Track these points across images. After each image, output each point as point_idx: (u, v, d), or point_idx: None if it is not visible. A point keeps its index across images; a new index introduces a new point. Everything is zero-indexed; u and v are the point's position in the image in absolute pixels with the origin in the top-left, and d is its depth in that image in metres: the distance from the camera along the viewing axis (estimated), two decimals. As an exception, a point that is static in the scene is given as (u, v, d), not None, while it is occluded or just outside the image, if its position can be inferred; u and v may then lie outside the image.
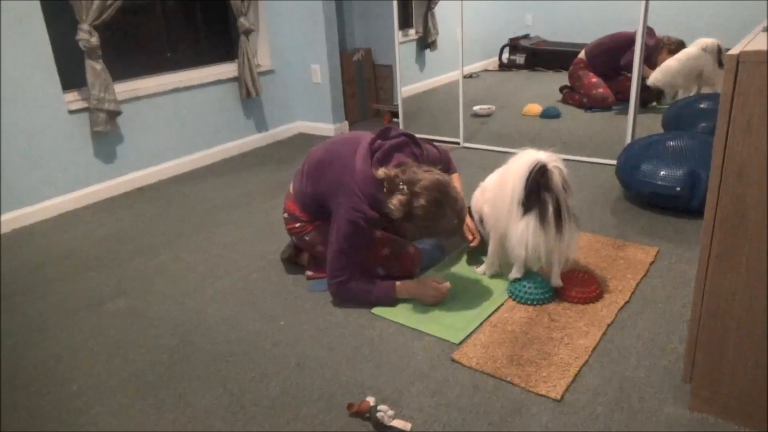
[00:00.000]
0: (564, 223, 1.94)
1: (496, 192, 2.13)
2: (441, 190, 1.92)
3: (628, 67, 4.52)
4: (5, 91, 2.93)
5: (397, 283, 2.10)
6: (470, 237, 2.35)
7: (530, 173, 1.91)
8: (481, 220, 2.26)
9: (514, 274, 2.11)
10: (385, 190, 1.95)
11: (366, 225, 2.02)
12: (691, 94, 4.18)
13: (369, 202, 2.00)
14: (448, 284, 2.08)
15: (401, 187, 1.91)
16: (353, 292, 2.10)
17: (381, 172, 1.96)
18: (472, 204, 2.30)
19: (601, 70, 4.61)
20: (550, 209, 1.92)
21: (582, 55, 4.75)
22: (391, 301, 2.10)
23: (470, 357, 1.78)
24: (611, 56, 4.59)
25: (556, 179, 1.91)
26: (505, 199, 2.00)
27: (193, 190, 3.50)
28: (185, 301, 2.23)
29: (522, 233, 1.95)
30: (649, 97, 4.38)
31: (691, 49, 4.20)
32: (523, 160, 1.96)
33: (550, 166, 1.91)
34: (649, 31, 4.43)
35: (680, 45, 4.38)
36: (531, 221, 1.93)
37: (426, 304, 2.08)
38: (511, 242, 2.01)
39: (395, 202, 1.90)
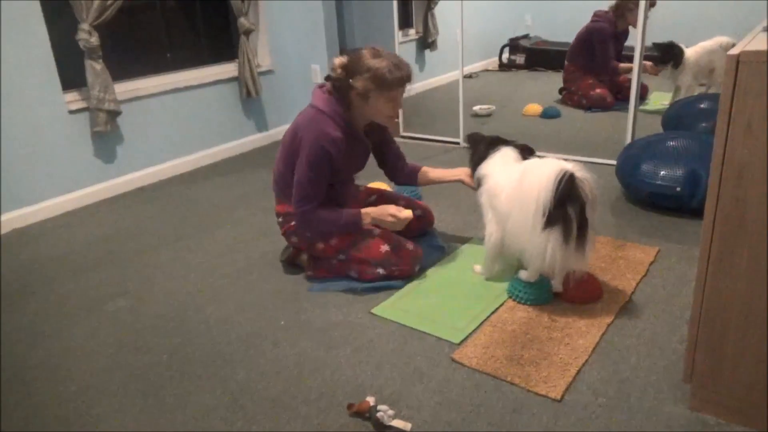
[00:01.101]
0: (587, 238, 1.85)
1: (511, 204, 1.99)
2: (377, 47, 2.11)
3: (613, 74, 4.58)
4: (5, 91, 2.93)
5: (362, 209, 2.21)
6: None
7: (558, 183, 1.79)
8: (480, 182, 2.21)
9: (528, 277, 2.04)
10: (332, 75, 2.11)
11: (331, 149, 2.07)
12: (694, 94, 4.18)
13: (332, 119, 2.10)
14: (408, 212, 2.21)
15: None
16: (321, 218, 2.16)
17: (330, 73, 2.13)
18: (481, 201, 2.21)
19: (589, 69, 4.63)
20: (575, 224, 1.82)
21: (566, 61, 4.80)
22: (359, 227, 2.20)
23: (470, 357, 1.78)
24: (584, 54, 4.63)
25: (586, 190, 1.82)
26: (527, 211, 1.87)
27: (193, 190, 3.50)
28: (185, 300, 2.23)
29: (542, 247, 1.85)
30: (667, 55, 4.21)
31: (707, 43, 4.20)
32: (547, 169, 1.83)
33: (578, 175, 1.82)
34: (596, 17, 4.49)
35: None
36: (553, 236, 1.83)
37: (386, 227, 2.22)
38: (530, 253, 1.92)
39: (336, 62, 2.09)
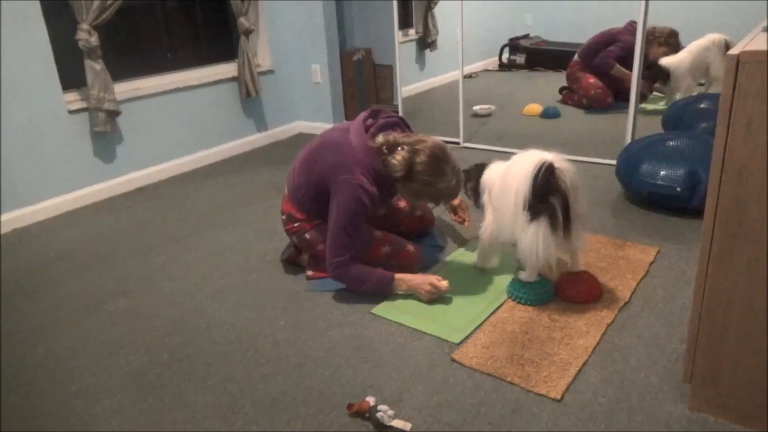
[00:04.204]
0: (572, 228, 1.85)
1: (498, 195, 2.03)
2: (441, 149, 2.01)
3: (600, 67, 4.56)
4: (5, 91, 2.93)
5: (396, 275, 2.10)
6: (459, 220, 2.41)
7: (536, 174, 1.81)
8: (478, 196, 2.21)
9: (527, 277, 2.04)
10: (385, 151, 2.00)
11: (369, 201, 2.02)
12: (693, 93, 4.18)
13: (369, 174, 2.02)
14: (446, 283, 2.06)
15: (402, 147, 1.98)
16: (352, 275, 2.09)
17: (380, 138, 2.01)
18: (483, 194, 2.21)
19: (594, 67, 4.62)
20: (560, 214, 1.82)
21: (576, 57, 4.77)
22: (388, 292, 2.10)
23: (470, 357, 1.78)
24: (598, 54, 4.60)
25: (566, 180, 1.82)
26: (509, 204, 1.91)
27: (193, 190, 3.50)
28: (185, 300, 2.23)
29: (531, 241, 1.86)
30: (657, 76, 4.27)
31: (701, 41, 4.21)
32: (527, 160, 1.86)
33: (558, 165, 1.82)
34: (631, 28, 4.44)
35: (671, 35, 4.35)
36: (540, 228, 1.84)
37: (422, 299, 2.08)
38: (520, 250, 1.94)
39: (398, 158, 1.97)
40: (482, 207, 2.21)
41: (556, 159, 1.85)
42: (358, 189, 1.99)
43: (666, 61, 4.24)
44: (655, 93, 4.59)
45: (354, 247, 2.07)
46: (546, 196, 1.83)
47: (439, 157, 1.99)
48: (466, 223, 2.44)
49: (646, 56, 4.36)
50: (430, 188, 2.02)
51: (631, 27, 4.45)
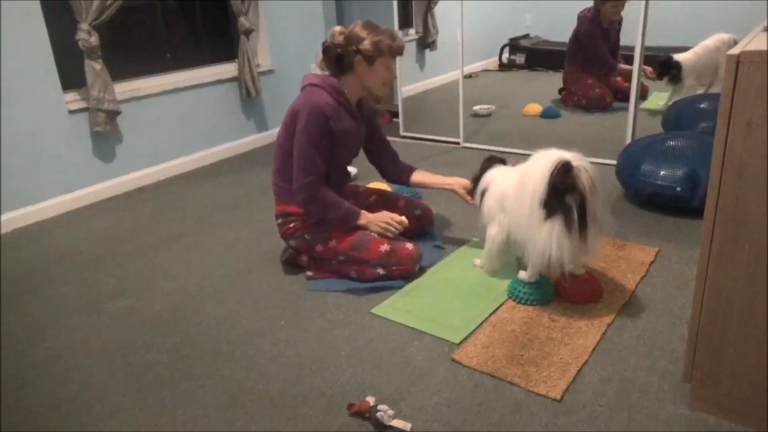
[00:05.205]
0: (589, 229, 1.82)
1: (515, 197, 1.99)
2: (370, 20, 2.21)
3: (603, 68, 4.59)
4: (5, 91, 2.93)
5: (362, 211, 2.24)
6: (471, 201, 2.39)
7: (553, 172, 1.78)
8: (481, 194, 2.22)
9: (528, 278, 2.03)
10: (326, 50, 2.18)
11: (327, 112, 2.10)
12: (699, 92, 4.17)
13: (325, 91, 2.15)
14: (404, 218, 2.25)
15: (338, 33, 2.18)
16: (326, 198, 2.18)
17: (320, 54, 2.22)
18: (484, 209, 2.19)
19: (588, 70, 4.63)
20: (575, 214, 1.79)
21: (566, 62, 4.79)
22: (353, 223, 2.22)
23: (470, 357, 1.78)
24: (579, 56, 4.64)
25: (584, 179, 1.79)
26: (525, 204, 1.87)
27: (193, 190, 3.50)
28: (185, 300, 2.23)
29: (545, 240, 1.83)
30: (665, 69, 4.23)
31: (709, 42, 4.17)
32: (545, 159, 1.83)
33: (576, 164, 1.79)
34: (578, 19, 4.49)
35: None
36: (555, 227, 1.81)
37: (373, 230, 2.21)
38: (533, 250, 1.90)
39: (337, 30, 2.15)
40: (478, 201, 2.22)
41: (575, 158, 1.82)
42: (314, 103, 2.10)
43: (679, 57, 4.21)
44: (654, 92, 4.58)
45: (322, 170, 2.16)
46: (563, 194, 1.80)
47: (371, 22, 2.18)
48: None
49: (607, 26, 4.39)
50: (372, 40, 2.13)
51: (579, 18, 4.59)
